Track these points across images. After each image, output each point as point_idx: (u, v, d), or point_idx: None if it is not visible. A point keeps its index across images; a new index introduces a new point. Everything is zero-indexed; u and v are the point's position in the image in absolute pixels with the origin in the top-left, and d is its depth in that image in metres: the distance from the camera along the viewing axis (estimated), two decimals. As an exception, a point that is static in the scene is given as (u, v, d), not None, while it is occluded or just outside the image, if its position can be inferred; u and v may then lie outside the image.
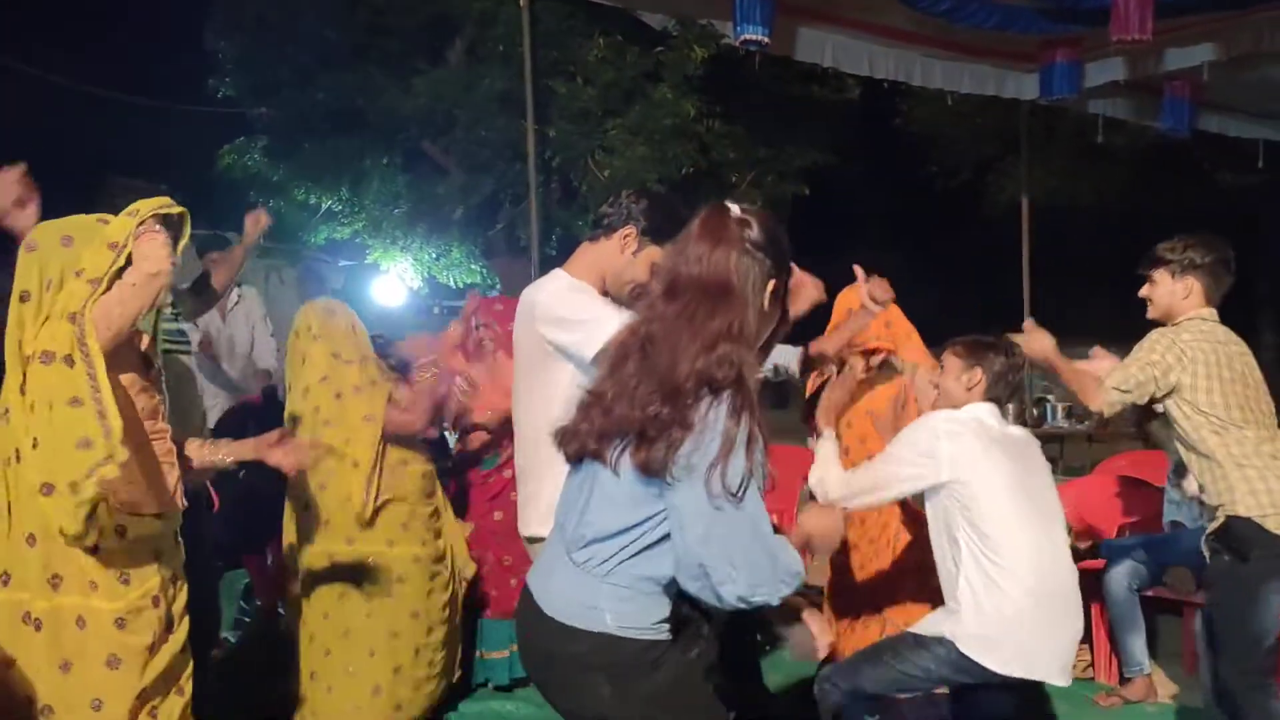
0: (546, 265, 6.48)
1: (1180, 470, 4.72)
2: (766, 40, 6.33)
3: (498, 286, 10.45)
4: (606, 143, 8.26)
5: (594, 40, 8.15)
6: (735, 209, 2.09)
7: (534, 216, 6.76)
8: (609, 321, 2.61)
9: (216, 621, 3.35)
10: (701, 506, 1.90)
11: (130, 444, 2.40)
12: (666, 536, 1.98)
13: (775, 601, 1.97)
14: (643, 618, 2.03)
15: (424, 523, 3.82)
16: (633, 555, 2.01)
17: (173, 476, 2.60)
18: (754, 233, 2.04)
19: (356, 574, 3.64)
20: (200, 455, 2.72)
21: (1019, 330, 3.50)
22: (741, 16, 6.26)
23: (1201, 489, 3.36)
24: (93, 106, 11.97)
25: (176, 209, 2.57)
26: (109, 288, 2.41)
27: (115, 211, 2.56)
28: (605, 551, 2.02)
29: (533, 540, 2.88)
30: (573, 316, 2.74)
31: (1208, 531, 3.30)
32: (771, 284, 2.06)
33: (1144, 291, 3.49)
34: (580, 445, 2.05)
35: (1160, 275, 3.45)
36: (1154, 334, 3.38)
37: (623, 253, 2.86)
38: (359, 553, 3.67)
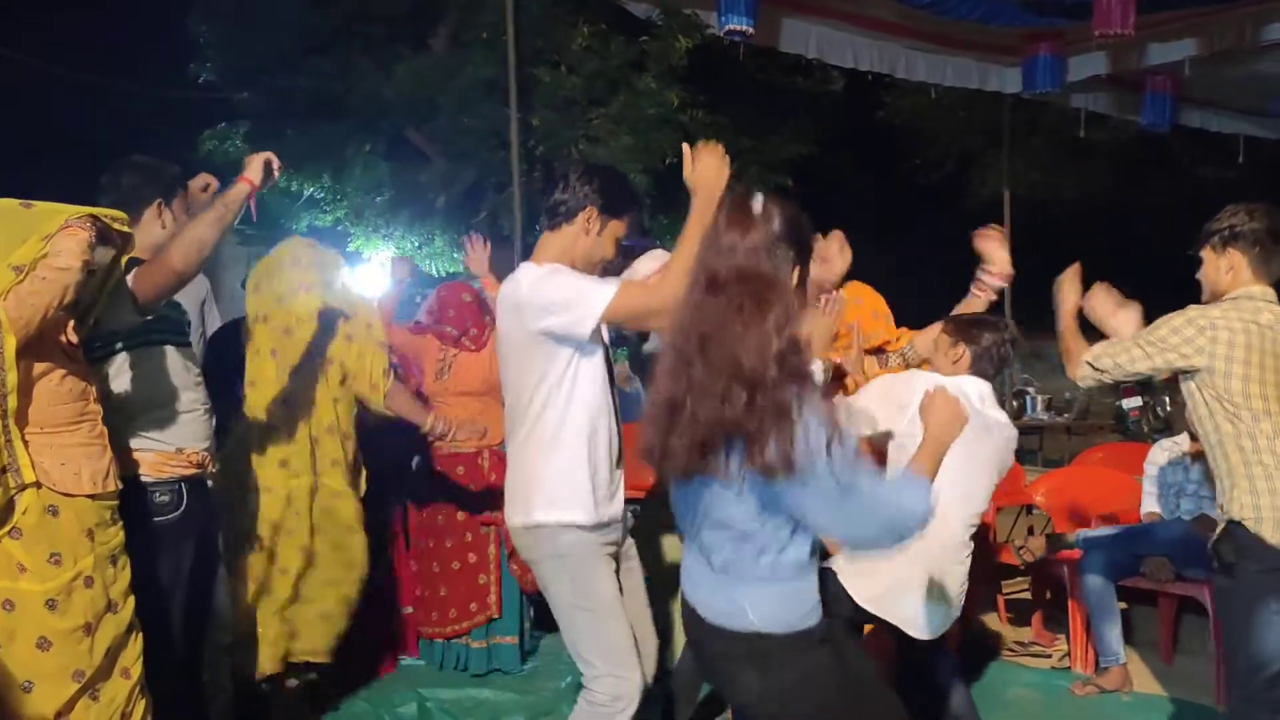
0: (530, 253, 6.50)
1: (1158, 456, 4.75)
2: (751, 31, 6.31)
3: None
4: (590, 131, 8.25)
5: (578, 29, 8.13)
6: (757, 200, 2.13)
7: (517, 205, 6.72)
8: (594, 294, 2.70)
9: (207, 611, 3.33)
10: (830, 492, 1.95)
11: (49, 426, 2.45)
12: (796, 529, 2.07)
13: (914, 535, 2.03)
14: (782, 613, 2.12)
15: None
16: (766, 554, 2.09)
17: (105, 459, 2.60)
18: (776, 224, 2.10)
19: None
20: None
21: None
22: (726, 7, 6.24)
23: (1215, 485, 3.09)
24: (74, 91, 11.86)
25: (123, 226, 2.57)
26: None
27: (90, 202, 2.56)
28: (739, 555, 2.10)
29: (530, 528, 2.87)
30: (558, 298, 2.74)
31: (1213, 538, 3.01)
32: (797, 271, 2.12)
33: (1198, 274, 3.15)
34: (684, 463, 2.05)
35: (1205, 252, 3.11)
36: (1179, 312, 3.04)
37: (588, 234, 2.89)
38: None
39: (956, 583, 3.13)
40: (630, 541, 3.06)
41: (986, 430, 3.09)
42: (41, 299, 2.41)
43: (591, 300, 2.71)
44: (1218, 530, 2.98)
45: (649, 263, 3.50)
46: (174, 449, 3.03)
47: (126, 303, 2.75)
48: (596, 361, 2.86)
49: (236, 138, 10.24)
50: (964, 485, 3.00)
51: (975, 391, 3.15)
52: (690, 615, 2.25)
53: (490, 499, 4.34)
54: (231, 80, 9.90)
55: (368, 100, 9.06)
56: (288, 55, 9.14)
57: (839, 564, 3.06)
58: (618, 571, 2.94)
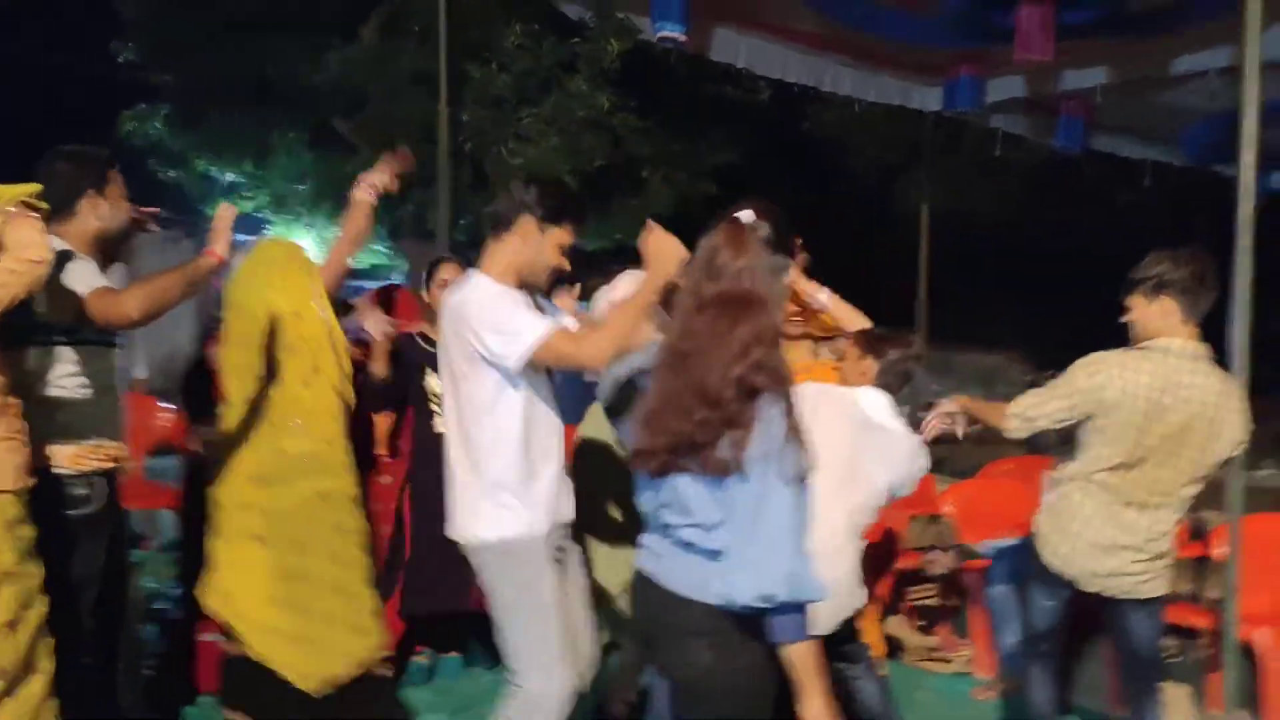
0: (455, 250, 6.49)
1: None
2: (683, 38, 6.39)
3: (403, 268, 10.36)
4: (520, 130, 8.25)
5: (511, 27, 8.13)
6: (747, 216, 2.30)
7: (444, 201, 6.71)
8: (528, 333, 2.78)
9: (122, 607, 3.28)
10: (770, 493, 2.13)
11: None
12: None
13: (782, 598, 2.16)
14: (743, 593, 2.19)
15: None
16: (734, 537, 2.20)
17: (24, 453, 2.58)
18: (766, 232, 2.30)
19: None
20: None
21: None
22: (659, 14, 6.31)
23: None
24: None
25: (41, 203, 2.54)
26: None
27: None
28: (704, 538, 2.24)
29: (473, 544, 2.92)
30: (504, 325, 2.81)
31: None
32: (787, 270, 2.34)
33: (1124, 318, 3.38)
34: (661, 464, 2.26)
35: (1135, 299, 3.33)
36: (1081, 361, 3.34)
37: (527, 243, 2.95)
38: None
39: (845, 574, 3.19)
40: (573, 544, 3.13)
41: (875, 435, 3.22)
42: (8, 291, 2.39)
43: (523, 339, 2.78)
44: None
45: (628, 283, 3.55)
46: (93, 442, 2.99)
47: (68, 302, 2.72)
48: (536, 378, 2.93)
49: (157, 119, 10.03)
50: (845, 483, 3.11)
51: (871, 402, 3.28)
52: (646, 586, 2.36)
53: None
54: (154, 59, 9.68)
55: (295, 87, 8.94)
56: (213, 35, 8.97)
57: None
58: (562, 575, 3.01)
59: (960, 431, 3.57)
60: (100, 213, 3.06)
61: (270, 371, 3.44)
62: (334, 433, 3.51)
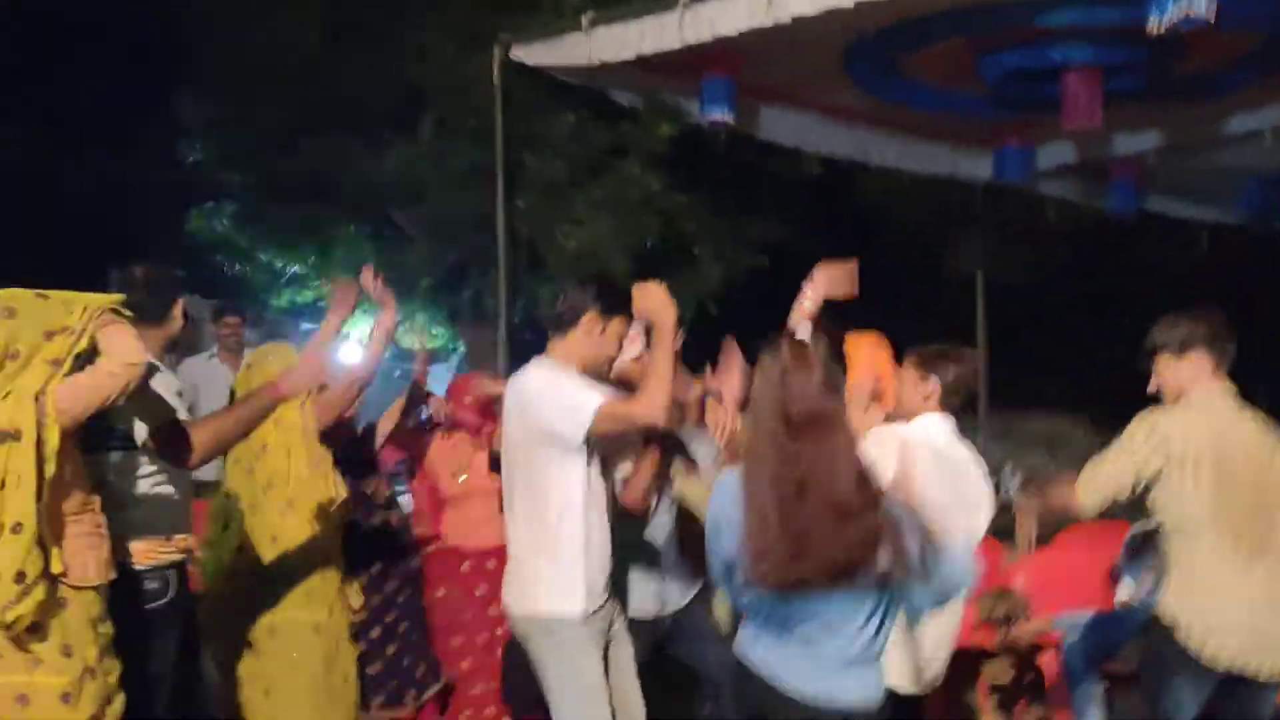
0: (513, 333, 6.58)
1: (1135, 542, 4.83)
2: (732, 120, 6.52)
3: (460, 349, 10.53)
4: (573, 215, 8.40)
5: (562, 116, 8.32)
6: (803, 334, 2.38)
7: (503, 286, 6.86)
8: (591, 403, 2.93)
9: (194, 694, 3.36)
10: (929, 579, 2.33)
11: (69, 515, 2.54)
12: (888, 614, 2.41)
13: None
14: (878, 690, 2.41)
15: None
16: (869, 640, 2.38)
17: (105, 548, 2.66)
18: (823, 349, 2.42)
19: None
20: None
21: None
22: (708, 97, 6.45)
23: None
24: (63, 169, 11.95)
25: (126, 311, 2.65)
26: (70, 371, 2.48)
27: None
28: (848, 641, 2.36)
29: (527, 617, 3.04)
30: (565, 400, 2.99)
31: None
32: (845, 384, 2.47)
33: (1152, 386, 3.38)
34: (803, 582, 2.33)
35: (1163, 361, 3.34)
36: (1135, 420, 3.29)
37: (591, 336, 3.14)
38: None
39: (932, 636, 3.16)
40: (621, 618, 3.23)
41: (957, 474, 3.19)
42: (101, 392, 2.51)
43: (585, 410, 2.96)
44: (1149, 615, 3.34)
45: (634, 342, 3.67)
46: (164, 537, 3.08)
47: (156, 410, 2.83)
48: (595, 464, 3.07)
49: (224, 215, 10.39)
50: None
51: (943, 433, 3.22)
52: (768, 693, 2.39)
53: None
54: (220, 161, 10.04)
55: (355, 182, 9.20)
56: (277, 138, 9.29)
57: None
58: (606, 650, 3.10)
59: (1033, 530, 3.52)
60: (178, 322, 3.22)
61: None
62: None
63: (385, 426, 4.38)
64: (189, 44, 9.44)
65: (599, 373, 3.21)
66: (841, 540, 2.25)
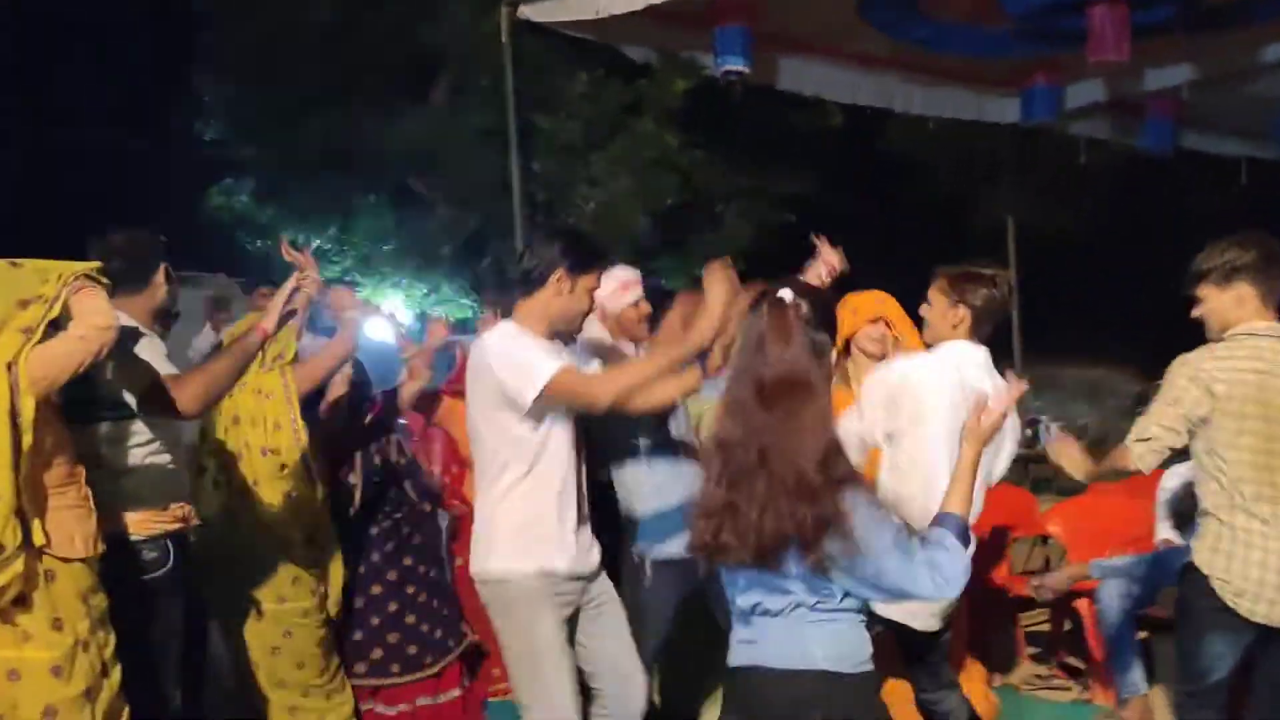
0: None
1: (1170, 482, 4.68)
2: (747, 71, 6.36)
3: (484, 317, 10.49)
4: (590, 175, 8.31)
5: (576, 75, 8.22)
6: (787, 295, 2.26)
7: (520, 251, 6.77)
8: (547, 371, 2.89)
9: (203, 663, 3.37)
10: (891, 565, 2.14)
11: (52, 487, 2.50)
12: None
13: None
14: (847, 652, 2.23)
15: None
16: (825, 603, 2.21)
17: (92, 521, 2.61)
18: (806, 311, 2.24)
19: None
20: None
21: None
22: (722, 48, 6.30)
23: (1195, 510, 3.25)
24: (81, 150, 12.01)
25: (103, 279, 2.59)
26: (42, 339, 2.43)
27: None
28: (804, 607, 2.22)
29: (486, 578, 3.02)
30: (520, 364, 2.93)
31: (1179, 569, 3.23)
32: (830, 349, 2.30)
33: (1195, 312, 3.18)
34: (738, 558, 2.22)
35: (1206, 290, 3.13)
36: (1174, 364, 3.11)
37: (561, 295, 3.04)
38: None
39: None
40: (605, 584, 3.18)
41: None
42: (73, 358, 2.45)
43: (538, 376, 2.89)
44: (1183, 564, 3.17)
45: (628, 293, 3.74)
46: (160, 506, 3.05)
47: (142, 376, 2.79)
48: (559, 423, 3.01)
49: (243, 193, 10.38)
50: (950, 459, 2.91)
51: (972, 363, 3.06)
52: (749, 681, 2.29)
53: None
54: (236, 137, 10.04)
55: (371, 152, 9.16)
56: (290, 111, 9.26)
57: None
58: (574, 618, 3.06)
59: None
60: (162, 289, 3.16)
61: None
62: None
63: (409, 391, 4.37)
64: (203, 18, 9.42)
65: (571, 329, 3.15)
66: (793, 518, 2.12)
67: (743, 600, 2.30)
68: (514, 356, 2.95)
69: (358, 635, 4.03)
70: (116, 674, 2.60)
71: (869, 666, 2.26)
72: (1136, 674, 4.20)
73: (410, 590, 4.16)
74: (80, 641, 2.50)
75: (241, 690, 3.71)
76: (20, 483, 2.40)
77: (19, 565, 2.39)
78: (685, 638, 3.56)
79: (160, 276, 3.16)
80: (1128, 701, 4.22)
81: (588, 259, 3.08)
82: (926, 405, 3.07)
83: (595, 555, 3.12)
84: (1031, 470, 9.66)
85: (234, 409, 3.58)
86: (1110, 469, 3.27)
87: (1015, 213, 9.52)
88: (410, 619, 4.11)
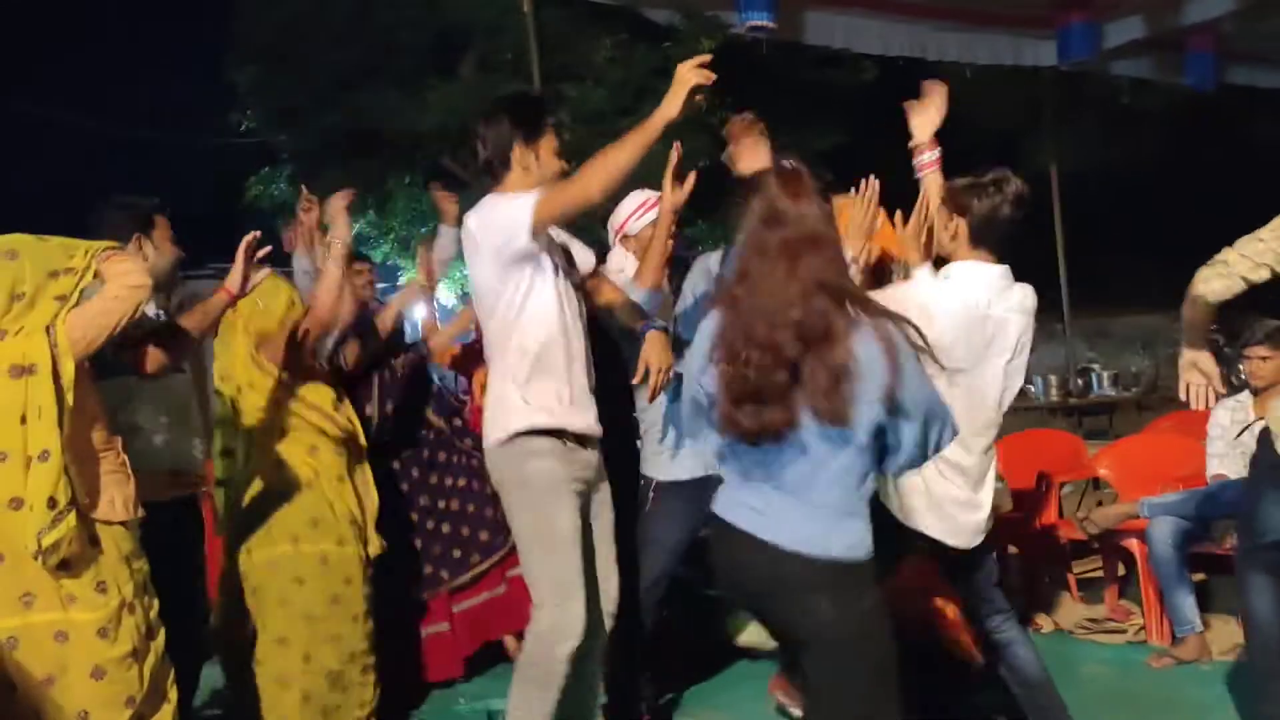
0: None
1: (1222, 416, 4.49)
2: (773, 26, 6.28)
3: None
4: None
5: (601, 41, 8.15)
6: (789, 164, 2.33)
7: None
8: (519, 205, 2.82)
9: (201, 627, 3.43)
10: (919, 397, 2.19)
11: (95, 450, 2.54)
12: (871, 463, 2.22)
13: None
14: (861, 543, 2.22)
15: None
16: (844, 486, 2.20)
17: (130, 485, 2.64)
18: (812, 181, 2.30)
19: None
20: None
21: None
22: (745, 4, 6.22)
23: None
24: (118, 146, 12.19)
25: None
26: (78, 303, 2.49)
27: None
28: (820, 485, 2.20)
29: (498, 444, 2.95)
30: (495, 219, 2.89)
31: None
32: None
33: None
34: (760, 427, 2.20)
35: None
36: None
37: (529, 169, 2.99)
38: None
39: (962, 483, 2.95)
40: (605, 483, 3.14)
41: (992, 333, 2.88)
42: (111, 318, 2.51)
43: (519, 211, 2.83)
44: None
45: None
46: (169, 471, 3.12)
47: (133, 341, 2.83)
48: (548, 282, 2.95)
49: (281, 180, 10.45)
50: (969, 384, 2.84)
51: (978, 284, 2.87)
52: (747, 542, 2.26)
53: None
54: (270, 124, 10.10)
55: (403, 132, 9.17)
56: (322, 95, 9.30)
57: None
58: (587, 509, 3.03)
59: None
60: (146, 254, 3.18)
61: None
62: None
63: (438, 342, 4.48)
64: (230, 6, 9.48)
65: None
66: (773, 366, 2.13)
67: (757, 472, 2.28)
68: (494, 215, 2.91)
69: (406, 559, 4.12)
70: (161, 637, 2.64)
71: (871, 556, 2.25)
72: (1191, 611, 4.13)
73: (442, 504, 4.29)
74: (125, 604, 2.54)
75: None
76: (64, 443, 2.44)
77: (71, 520, 2.43)
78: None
79: (149, 246, 3.18)
80: (1183, 640, 4.15)
81: (537, 121, 3.02)
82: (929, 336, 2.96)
83: (598, 428, 3.06)
84: (1085, 423, 9.51)
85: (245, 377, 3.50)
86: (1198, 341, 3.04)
87: (1059, 159, 9.32)
88: (446, 528, 4.26)
